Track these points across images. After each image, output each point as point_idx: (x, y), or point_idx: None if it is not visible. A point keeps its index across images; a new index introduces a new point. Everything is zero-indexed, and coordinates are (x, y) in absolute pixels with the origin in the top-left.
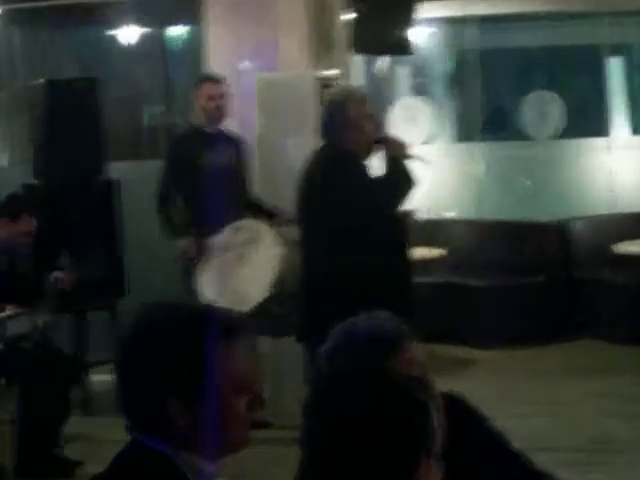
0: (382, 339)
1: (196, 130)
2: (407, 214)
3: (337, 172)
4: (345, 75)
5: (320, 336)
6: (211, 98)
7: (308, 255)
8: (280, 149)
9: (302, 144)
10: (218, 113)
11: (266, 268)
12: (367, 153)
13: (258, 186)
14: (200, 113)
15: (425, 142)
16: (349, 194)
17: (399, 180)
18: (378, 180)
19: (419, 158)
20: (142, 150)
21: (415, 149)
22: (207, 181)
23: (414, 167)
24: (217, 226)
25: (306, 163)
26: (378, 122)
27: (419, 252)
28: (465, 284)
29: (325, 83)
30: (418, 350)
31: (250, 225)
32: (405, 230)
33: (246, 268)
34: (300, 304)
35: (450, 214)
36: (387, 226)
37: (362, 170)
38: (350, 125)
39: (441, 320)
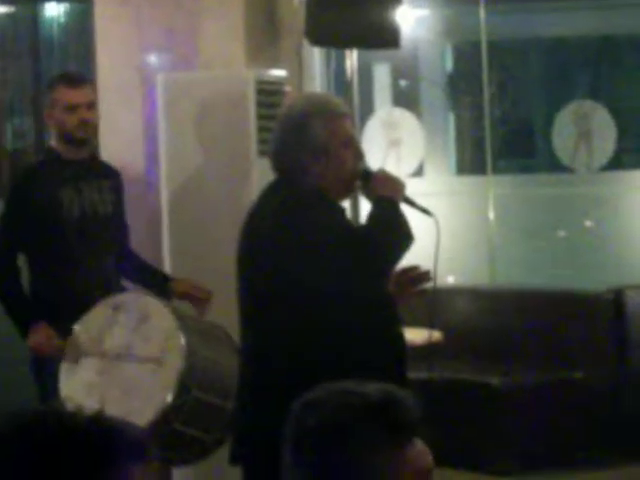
0: None
1: (51, 159)
2: (405, 282)
3: (299, 222)
4: (298, 76)
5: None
6: (70, 109)
7: (251, 347)
8: (199, 183)
9: (233, 177)
10: (82, 131)
11: (164, 365)
12: (344, 193)
13: (165, 240)
14: (55, 131)
15: (413, 174)
16: (318, 254)
17: (392, 232)
18: (361, 233)
19: (421, 207)
20: (2, 186)
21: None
22: (67, 238)
23: (408, 216)
24: (85, 305)
25: (250, 209)
26: (360, 148)
27: (408, 335)
28: (473, 381)
29: (268, 88)
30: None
31: (135, 301)
32: (396, 309)
33: (134, 364)
34: (236, 418)
35: (449, 280)
36: (375, 303)
37: (337, 218)
38: (320, 152)
39: (439, 435)
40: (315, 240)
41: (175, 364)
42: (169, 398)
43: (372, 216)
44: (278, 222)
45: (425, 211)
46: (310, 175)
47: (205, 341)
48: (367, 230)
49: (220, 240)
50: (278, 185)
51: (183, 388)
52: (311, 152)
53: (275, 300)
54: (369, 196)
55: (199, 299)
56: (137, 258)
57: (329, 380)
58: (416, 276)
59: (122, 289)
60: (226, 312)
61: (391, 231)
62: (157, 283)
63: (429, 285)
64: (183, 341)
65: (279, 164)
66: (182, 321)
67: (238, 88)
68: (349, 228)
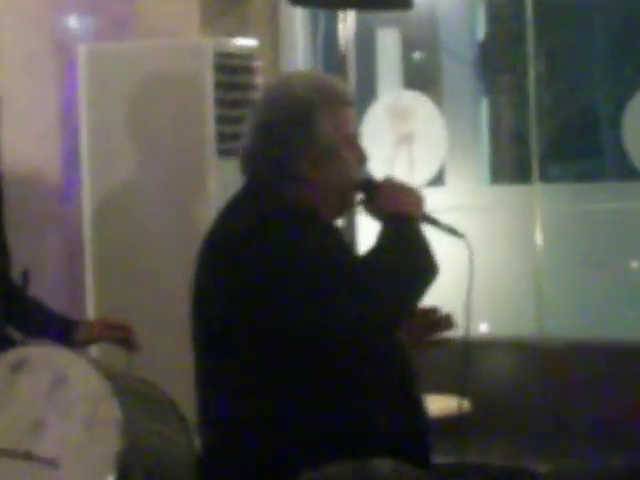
0: None
1: None
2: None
3: (283, 250)
4: (272, 47)
5: None
6: None
7: (213, 416)
8: (134, 193)
9: (182, 185)
10: None
11: (92, 446)
12: (340, 210)
13: (87, 271)
14: None
15: (430, 182)
16: (308, 295)
17: (409, 262)
18: (366, 264)
19: (447, 226)
20: None
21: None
22: None
23: (432, 239)
24: None
25: (209, 230)
26: (364, 149)
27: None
28: (512, 470)
29: (231, 63)
30: None
31: (45, 357)
32: (411, 366)
33: (50, 443)
34: None
35: (482, 329)
36: (383, 360)
37: (334, 244)
38: (325, 155)
39: None
40: (305, 274)
41: (109, 444)
42: None
43: (381, 240)
44: (252, 250)
45: (453, 231)
46: (302, 186)
47: (146, 409)
48: (375, 259)
49: (163, 271)
50: (250, 197)
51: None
52: (314, 155)
53: (244, 357)
54: (375, 214)
55: (122, 342)
56: (29, 297)
57: (327, 462)
58: (435, 321)
59: (10, 341)
60: (169, 366)
61: (408, 260)
62: (57, 331)
63: (454, 333)
64: (118, 410)
65: (258, 170)
66: (114, 381)
67: (189, 63)
68: (350, 258)
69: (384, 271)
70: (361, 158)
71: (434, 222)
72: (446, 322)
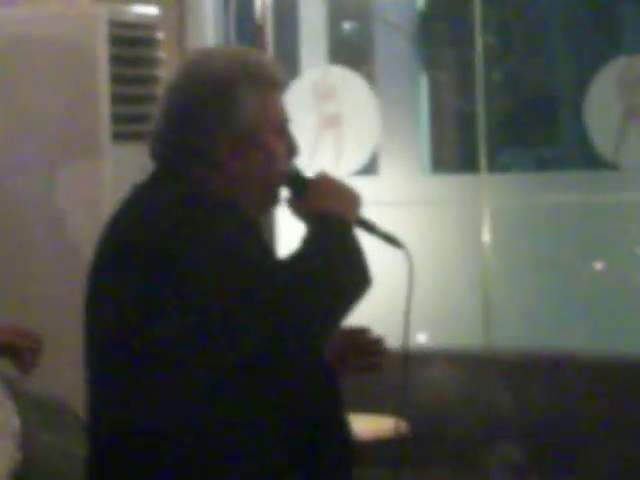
0: None
1: None
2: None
3: (194, 244)
4: (177, 15)
5: None
6: None
7: (98, 425)
8: (17, 184)
9: (73, 174)
10: None
11: None
12: (263, 206)
13: None
14: None
15: (361, 171)
16: (220, 298)
17: (338, 269)
18: (288, 268)
19: (383, 233)
20: None
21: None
22: None
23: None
24: None
25: (108, 223)
26: (295, 139)
27: (355, 425)
28: None
29: (128, 33)
30: None
31: None
32: (337, 387)
33: None
34: None
35: (421, 340)
36: (304, 379)
37: (252, 241)
38: (246, 139)
39: None
40: (216, 273)
41: (4, 458)
42: None
43: (306, 243)
44: (157, 244)
45: (391, 240)
46: (219, 173)
47: (45, 419)
48: (295, 264)
49: (52, 272)
50: (159, 185)
51: None
52: (232, 138)
53: (136, 369)
54: (301, 213)
55: (24, 351)
56: None
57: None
58: (365, 345)
59: None
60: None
61: (336, 267)
62: None
63: (390, 346)
64: (15, 421)
65: (169, 154)
66: (10, 389)
67: (80, 33)
68: (268, 259)
69: (304, 278)
70: (291, 149)
71: (370, 228)
72: (376, 347)
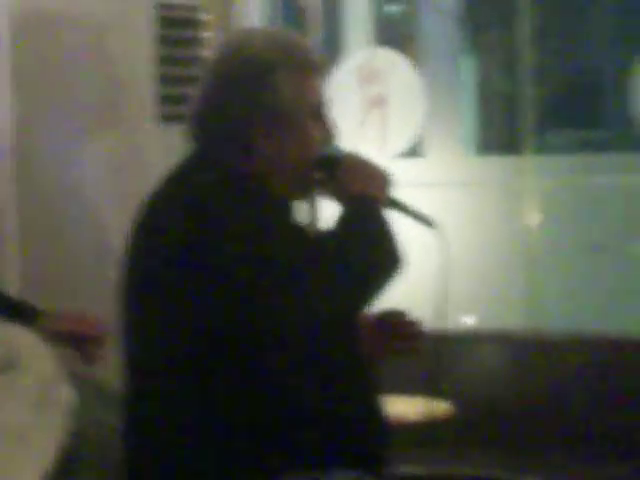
0: None
1: None
2: (388, 320)
3: (229, 226)
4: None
5: None
6: None
7: (145, 410)
8: (66, 169)
9: (120, 156)
10: None
11: (34, 435)
12: (298, 191)
13: (10, 255)
14: None
15: (406, 154)
16: (254, 283)
17: (370, 250)
18: (322, 249)
19: (417, 213)
20: None
21: (399, 186)
22: None
23: (398, 227)
24: None
25: (145, 203)
26: (333, 123)
27: (398, 407)
28: None
29: (175, 15)
30: None
31: None
32: (369, 370)
33: None
34: None
35: (466, 322)
36: (341, 350)
37: (287, 225)
38: (281, 121)
39: None
40: (252, 257)
41: (53, 431)
42: None
43: (338, 224)
44: (192, 226)
45: (424, 220)
46: (253, 156)
47: (100, 400)
48: (331, 245)
49: (100, 251)
50: (195, 168)
51: (66, 471)
52: (267, 121)
53: (174, 357)
54: (335, 194)
55: (89, 340)
56: None
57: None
58: (400, 327)
59: None
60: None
61: (368, 248)
62: (18, 317)
63: (423, 338)
64: (69, 395)
65: (207, 137)
66: (67, 366)
67: (126, 14)
68: (304, 241)
69: (338, 259)
70: (328, 134)
71: (402, 208)
72: (412, 331)
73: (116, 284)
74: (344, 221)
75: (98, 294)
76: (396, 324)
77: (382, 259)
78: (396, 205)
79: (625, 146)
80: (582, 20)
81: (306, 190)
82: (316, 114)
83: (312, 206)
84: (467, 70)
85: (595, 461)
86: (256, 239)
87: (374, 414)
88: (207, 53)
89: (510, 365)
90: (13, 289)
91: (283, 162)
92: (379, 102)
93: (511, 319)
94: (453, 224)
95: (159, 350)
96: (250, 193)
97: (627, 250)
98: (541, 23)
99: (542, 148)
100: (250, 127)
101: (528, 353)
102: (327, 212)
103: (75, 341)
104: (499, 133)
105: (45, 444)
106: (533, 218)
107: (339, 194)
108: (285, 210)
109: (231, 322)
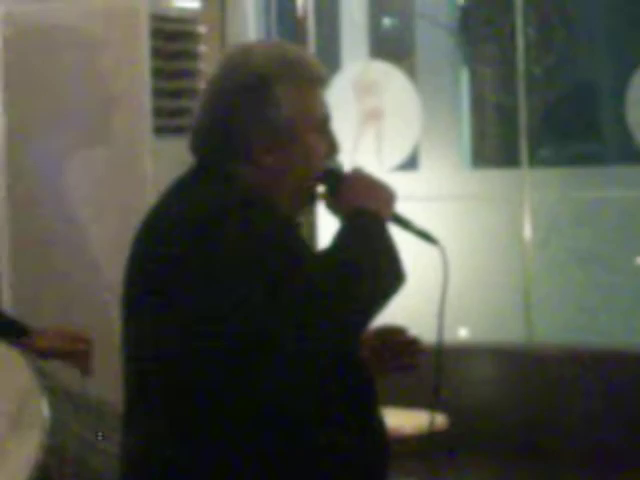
0: None
1: None
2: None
3: (230, 240)
4: (219, 10)
5: None
6: None
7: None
8: (59, 178)
9: (115, 167)
10: None
11: (9, 452)
12: (300, 205)
13: (3, 266)
14: None
15: (401, 167)
16: (254, 294)
17: (372, 265)
18: (323, 262)
19: (418, 230)
20: None
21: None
22: None
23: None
24: None
25: (146, 216)
26: (336, 137)
27: (394, 420)
28: None
29: (170, 27)
30: None
31: None
32: (371, 382)
33: None
34: None
35: (462, 335)
36: (338, 373)
37: (290, 238)
38: (283, 135)
39: None
40: (253, 269)
41: (32, 447)
42: None
43: (341, 238)
44: (195, 240)
45: (426, 236)
46: (255, 170)
47: (81, 414)
48: (333, 259)
49: (92, 266)
50: (200, 181)
51: None
52: (269, 135)
53: (171, 368)
54: (337, 209)
55: (78, 356)
56: None
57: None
58: (400, 345)
59: None
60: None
61: (371, 263)
62: (7, 336)
63: (425, 352)
64: (46, 410)
65: (206, 149)
66: (47, 381)
67: (122, 28)
68: (307, 254)
69: (344, 272)
70: (331, 147)
71: (405, 224)
72: (412, 348)
73: (109, 300)
74: (346, 234)
75: (89, 308)
76: (394, 341)
77: (387, 275)
78: (399, 221)
79: (620, 159)
80: (577, 33)
81: (309, 204)
82: (321, 127)
83: (312, 223)
84: (463, 83)
85: (589, 472)
86: (265, 254)
87: (375, 430)
88: (202, 66)
89: (506, 377)
90: (5, 305)
91: (289, 177)
92: (375, 115)
93: (507, 331)
94: (449, 237)
95: (160, 363)
96: (257, 207)
97: (623, 263)
98: (536, 36)
99: (538, 161)
100: (252, 141)
101: (524, 366)
102: (326, 230)
103: (66, 356)
104: (495, 146)
105: (21, 459)
106: (529, 231)
107: (341, 208)
108: (294, 225)
109: (244, 332)
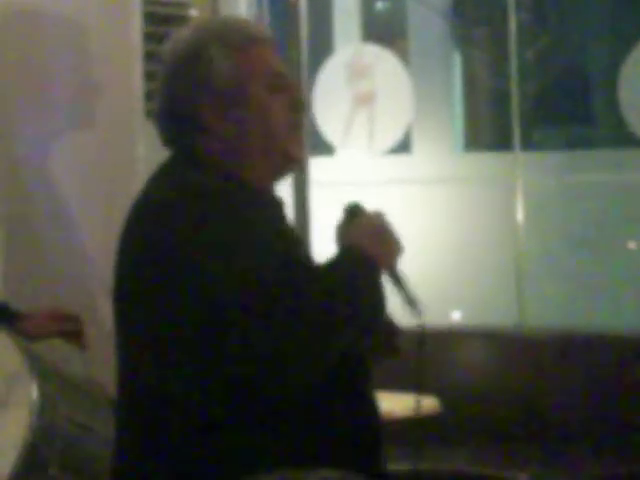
0: None
1: None
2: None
3: (211, 223)
4: None
5: None
6: None
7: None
8: (48, 165)
9: (106, 152)
10: None
11: (2, 434)
12: (271, 175)
13: None
14: None
15: (395, 150)
16: (243, 280)
17: (363, 301)
18: (318, 276)
19: (409, 294)
20: None
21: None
22: None
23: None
24: None
25: (135, 202)
26: (298, 93)
27: (385, 404)
28: (487, 478)
29: (162, 11)
30: None
31: None
32: (365, 364)
33: None
34: None
35: (454, 318)
36: (343, 360)
37: (274, 223)
38: (226, 99)
39: None
40: (231, 261)
41: (20, 427)
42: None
43: (330, 267)
44: (180, 227)
45: (412, 303)
46: (211, 138)
47: (71, 397)
48: (329, 279)
49: (82, 254)
50: (175, 164)
51: (31, 466)
52: (213, 98)
53: (162, 353)
54: (341, 238)
55: (69, 335)
56: None
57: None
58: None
59: None
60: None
61: (362, 299)
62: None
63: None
64: (35, 391)
65: (164, 129)
66: (35, 363)
67: (115, 11)
68: (298, 251)
69: (336, 292)
70: (293, 102)
71: (398, 283)
72: (391, 329)
73: (98, 287)
74: (335, 266)
75: (79, 296)
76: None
77: (358, 314)
78: (394, 277)
79: (613, 143)
80: (570, 17)
81: (281, 170)
82: (272, 85)
83: (304, 207)
84: (455, 66)
85: (580, 457)
86: (256, 244)
87: (367, 411)
88: None
89: (497, 360)
90: None
91: (250, 142)
92: (367, 98)
93: (499, 315)
94: (442, 220)
95: (148, 355)
96: (237, 187)
97: (616, 246)
98: (529, 20)
99: (530, 144)
100: (199, 107)
101: (516, 349)
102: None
103: (57, 337)
104: (488, 129)
105: (10, 439)
106: (521, 214)
107: (345, 239)
108: (278, 205)
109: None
